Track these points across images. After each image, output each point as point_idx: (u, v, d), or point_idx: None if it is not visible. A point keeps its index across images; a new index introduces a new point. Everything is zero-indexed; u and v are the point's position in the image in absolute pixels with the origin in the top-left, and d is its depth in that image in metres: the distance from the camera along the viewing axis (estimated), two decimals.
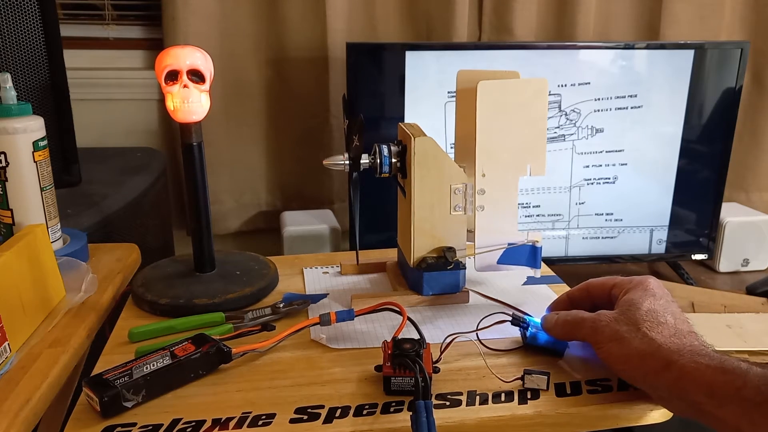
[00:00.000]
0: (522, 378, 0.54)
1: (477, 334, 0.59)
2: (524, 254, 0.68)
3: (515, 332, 0.61)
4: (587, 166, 1.25)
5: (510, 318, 0.60)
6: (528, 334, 0.59)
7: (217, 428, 0.49)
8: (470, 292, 0.69)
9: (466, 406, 0.51)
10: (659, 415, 0.51)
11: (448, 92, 1.19)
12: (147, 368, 0.52)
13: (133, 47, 1.42)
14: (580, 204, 1.27)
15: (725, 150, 1.27)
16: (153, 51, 1.42)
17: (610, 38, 1.45)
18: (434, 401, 0.51)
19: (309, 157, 1.45)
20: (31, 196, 0.71)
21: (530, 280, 0.74)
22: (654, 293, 0.54)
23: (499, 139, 0.65)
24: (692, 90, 1.23)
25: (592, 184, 1.26)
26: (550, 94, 0.65)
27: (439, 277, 0.67)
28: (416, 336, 0.56)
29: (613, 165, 1.25)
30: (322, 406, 0.51)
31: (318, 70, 1.39)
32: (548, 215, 1.27)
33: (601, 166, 1.25)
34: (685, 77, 1.23)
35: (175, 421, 0.49)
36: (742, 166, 1.54)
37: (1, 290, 0.56)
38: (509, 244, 0.68)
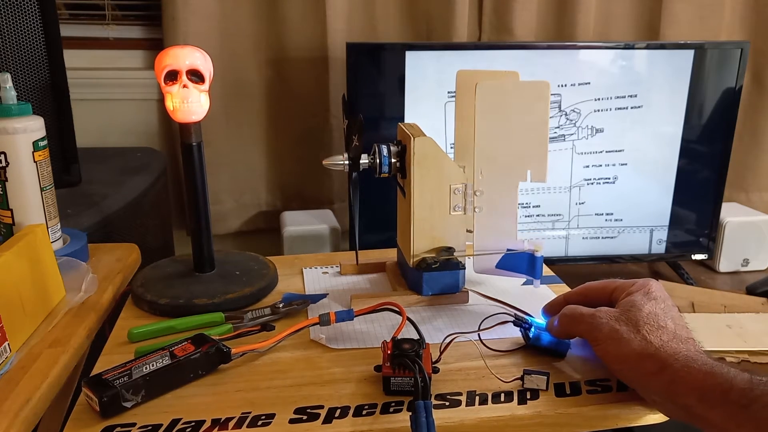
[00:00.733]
0: (521, 378, 0.54)
1: (479, 334, 0.59)
2: (523, 262, 0.68)
3: (515, 333, 0.61)
4: (587, 166, 1.25)
5: (512, 319, 0.60)
6: (531, 334, 0.59)
7: (217, 428, 0.49)
8: (470, 292, 0.69)
9: (466, 406, 0.51)
10: (658, 415, 0.51)
11: (448, 92, 1.19)
12: (146, 368, 0.52)
13: (133, 47, 1.42)
14: (580, 204, 1.27)
15: (725, 150, 1.27)
16: (153, 51, 1.42)
17: (610, 38, 1.45)
18: (434, 401, 0.51)
19: (309, 157, 1.45)
20: (31, 196, 0.71)
21: (530, 280, 0.74)
22: (655, 297, 0.54)
23: (498, 141, 0.65)
24: (692, 90, 1.23)
25: (592, 184, 1.26)
26: (550, 94, 0.65)
27: (438, 277, 0.67)
28: (416, 336, 0.56)
29: (613, 165, 1.25)
30: (322, 407, 0.51)
31: (318, 70, 1.39)
32: (548, 215, 1.27)
33: (601, 166, 1.25)
34: (685, 77, 1.22)
35: (175, 421, 0.49)
36: (742, 166, 1.54)
37: (1, 290, 0.56)
38: (508, 250, 0.68)
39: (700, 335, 1.06)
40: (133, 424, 0.49)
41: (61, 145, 1.04)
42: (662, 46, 1.23)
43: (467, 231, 0.68)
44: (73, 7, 1.43)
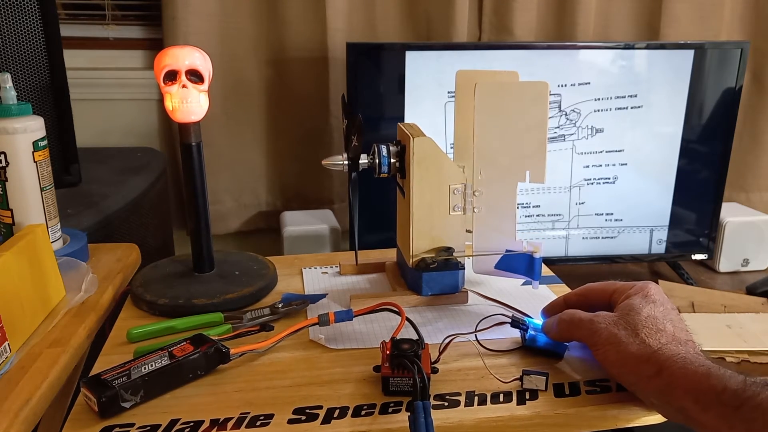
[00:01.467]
0: (520, 378, 0.54)
1: (476, 335, 0.59)
2: (522, 263, 0.67)
3: (514, 333, 0.61)
4: (587, 166, 1.25)
5: (510, 319, 0.60)
6: (527, 336, 0.59)
7: (216, 429, 0.49)
8: (469, 292, 0.69)
9: (465, 406, 0.51)
10: (657, 416, 0.51)
11: (448, 92, 1.19)
12: (145, 369, 0.52)
13: (133, 47, 1.42)
14: (580, 204, 1.27)
15: (725, 150, 1.27)
16: (153, 51, 1.42)
17: (610, 38, 1.45)
18: (432, 402, 0.51)
19: (309, 157, 1.45)
20: (31, 196, 0.71)
21: (529, 281, 0.74)
22: (654, 300, 0.54)
23: (497, 142, 0.65)
24: (692, 90, 1.23)
25: (592, 184, 1.26)
26: (550, 94, 0.64)
27: (437, 277, 0.67)
28: (415, 336, 0.56)
29: (613, 165, 1.25)
30: (321, 407, 0.51)
31: (318, 70, 1.39)
32: (548, 215, 1.27)
33: (601, 166, 1.25)
34: (685, 77, 1.22)
35: (174, 422, 0.49)
36: (742, 166, 1.54)
37: (1, 290, 0.56)
38: (507, 251, 0.68)
39: (700, 335, 1.06)
40: (132, 425, 0.49)
41: (61, 145, 1.04)
42: (662, 46, 1.23)
43: (467, 231, 0.68)
44: (72, 7, 1.43)
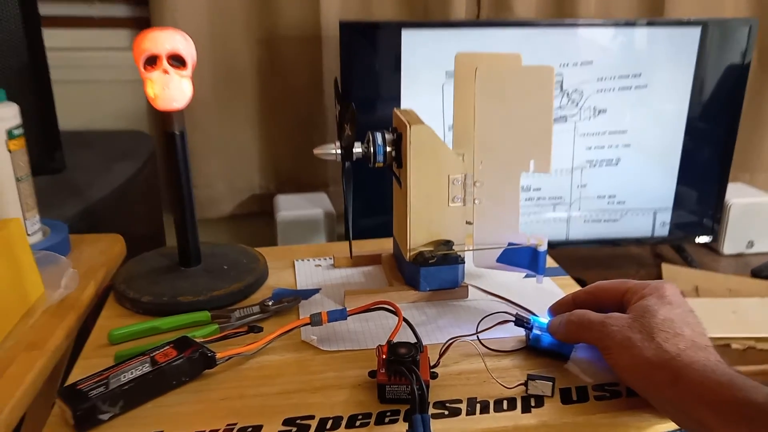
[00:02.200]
0: (525, 384, 0.51)
1: (478, 336, 0.56)
2: (525, 257, 0.64)
3: (518, 331, 0.58)
4: (589, 148, 1.21)
5: (513, 318, 0.57)
6: (531, 335, 0.56)
7: None
8: (470, 287, 0.66)
9: (466, 415, 0.48)
10: (671, 423, 0.48)
11: (446, 72, 1.14)
12: (125, 377, 0.49)
13: (119, 26, 1.36)
14: (581, 186, 1.23)
15: (731, 130, 1.23)
16: (139, 30, 1.36)
17: (613, 16, 1.40)
18: (432, 410, 0.48)
19: (302, 139, 1.41)
20: (6, 188, 0.67)
21: (532, 273, 0.71)
22: (671, 301, 0.50)
23: (499, 130, 0.61)
24: (698, 69, 1.19)
25: (595, 166, 1.22)
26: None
27: (436, 272, 0.64)
28: (412, 338, 0.52)
29: (616, 146, 1.22)
30: (313, 417, 0.48)
31: (311, 50, 1.34)
32: (549, 198, 1.23)
33: (603, 147, 1.21)
34: (691, 55, 1.18)
35: None
36: (747, 146, 1.50)
37: None
38: (510, 244, 0.64)
39: (705, 322, 1.04)
40: None
41: (42, 130, 0.99)
42: (668, 24, 1.18)
43: (467, 223, 0.65)
44: None
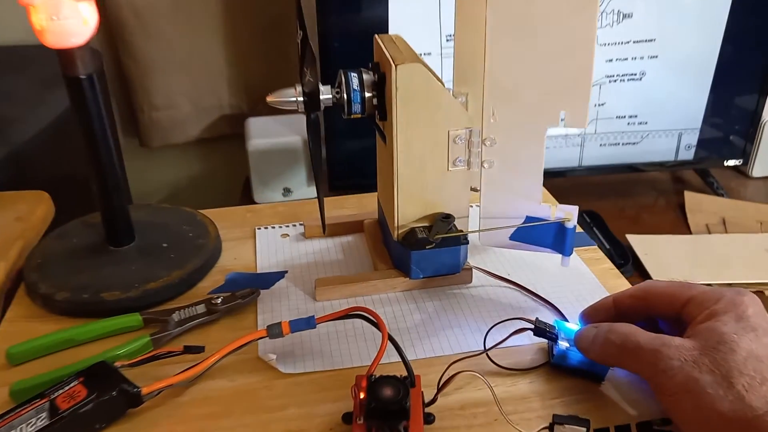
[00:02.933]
0: (550, 428, 0.38)
1: (487, 353, 0.43)
2: (548, 234, 0.49)
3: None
4: (610, 60, 1.03)
5: (531, 326, 0.43)
6: (555, 350, 0.43)
7: None
8: (474, 270, 0.52)
9: None
10: None
11: None
12: None
13: None
14: (599, 106, 1.07)
15: None
16: None
17: None
18: None
19: (275, 49, 1.22)
20: None
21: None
22: (755, 326, 0.36)
23: (519, 68, 0.45)
24: None
25: (615, 81, 1.05)
26: None
27: (432, 255, 0.49)
28: (401, 363, 0.39)
29: (641, 58, 1.04)
30: None
31: None
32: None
33: (627, 59, 1.03)
34: None
35: None
36: None
37: None
38: (528, 219, 0.49)
39: (736, 263, 0.91)
40: None
41: None
42: None
43: (472, 189, 0.50)
44: None
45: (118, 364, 0.42)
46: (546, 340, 0.44)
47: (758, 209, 1.09)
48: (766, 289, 0.91)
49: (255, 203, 1.12)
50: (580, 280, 0.52)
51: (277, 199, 1.12)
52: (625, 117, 1.08)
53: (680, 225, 1.06)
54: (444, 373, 0.41)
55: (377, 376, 0.38)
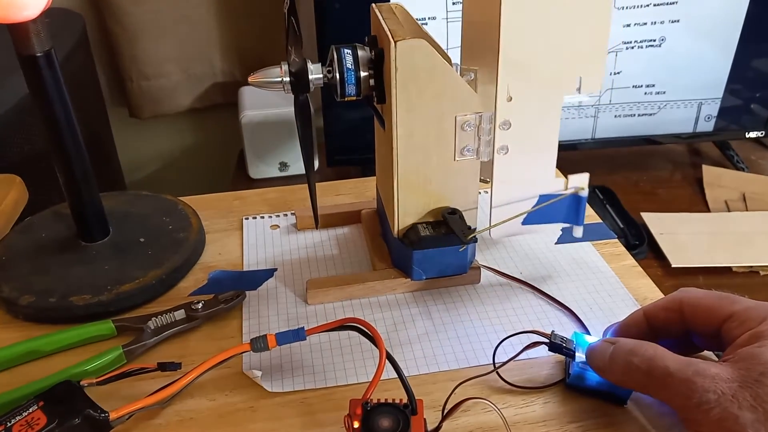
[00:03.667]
0: None
1: (497, 371, 0.38)
2: (561, 209, 0.45)
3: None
4: (628, 25, 0.96)
5: (546, 340, 0.39)
6: (572, 369, 0.38)
7: None
8: (482, 268, 0.47)
9: None
10: None
11: None
12: None
13: None
14: (615, 74, 1.00)
15: None
16: None
17: None
18: None
19: (269, 13, 1.15)
20: None
21: (565, 236, 0.51)
22: None
23: (536, 37, 0.39)
24: None
25: (633, 48, 0.98)
26: None
27: (436, 255, 0.44)
28: (401, 386, 0.35)
29: (661, 23, 0.97)
30: None
31: None
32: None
33: (646, 24, 0.97)
34: None
35: None
36: None
37: None
38: (541, 198, 0.44)
39: (758, 243, 0.85)
40: None
41: None
42: None
43: (481, 180, 0.45)
44: None
45: (84, 382, 0.38)
46: (566, 360, 0.39)
47: None
48: None
49: (250, 178, 1.06)
50: (599, 279, 0.47)
51: (273, 174, 1.07)
52: (642, 86, 1.02)
53: (697, 201, 1.00)
54: (449, 397, 0.36)
55: (374, 402, 0.34)
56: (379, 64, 0.41)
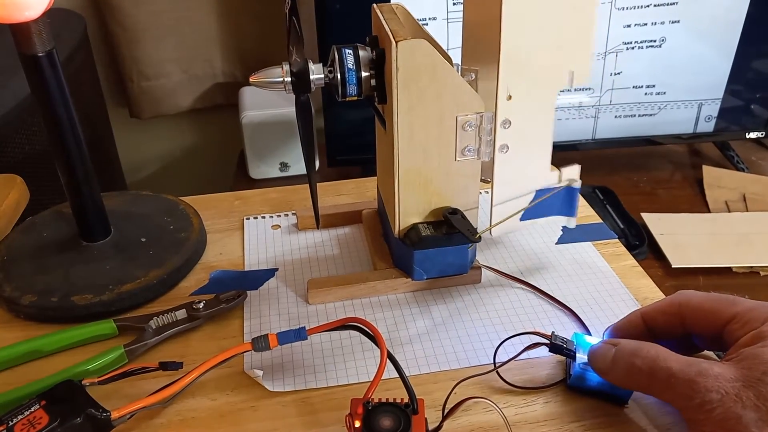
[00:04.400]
0: None
1: (497, 370, 0.38)
2: (556, 202, 0.45)
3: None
4: (628, 26, 0.96)
5: (547, 341, 0.39)
6: (573, 370, 0.38)
7: None
8: (483, 269, 0.47)
9: None
10: None
11: None
12: None
13: None
14: (615, 74, 1.00)
15: None
16: None
17: None
18: None
19: (271, 13, 1.15)
20: None
21: (566, 236, 0.52)
22: None
23: (534, 38, 0.39)
24: None
25: (633, 48, 0.98)
26: None
27: (437, 255, 0.44)
28: (402, 386, 0.35)
29: (662, 23, 0.97)
30: None
31: None
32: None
33: (646, 24, 0.97)
34: None
35: None
36: None
37: None
38: (538, 192, 0.44)
39: (758, 244, 0.85)
40: None
41: None
42: None
43: (482, 180, 0.45)
44: None
45: (86, 381, 0.38)
46: (567, 362, 0.39)
47: None
48: None
49: (251, 178, 1.06)
50: (600, 280, 0.47)
51: (273, 175, 1.07)
52: (642, 87, 1.02)
53: (698, 201, 1.00)
54: (449, 396, 0.36)
55: (375, 401, 0.34)
56: (380, 64, 0.41)
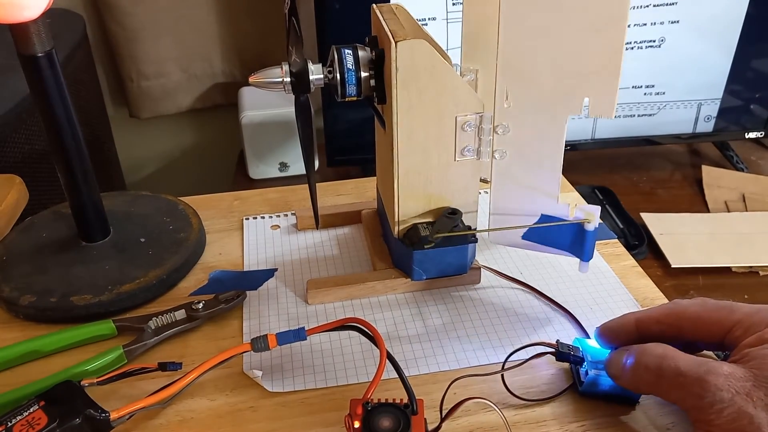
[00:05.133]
0: None
1: (502, 376, 0.38)
2: (566, 236, 0.43)
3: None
4: (628, 26, 0.96)
5: (552, 350, 0.38)
6: (586, 378, 0.38)
7: None
8: (482, 269, 0.47)
9: None
10: None
11: None
12: None
13: None
14: None
15: None
16: None
17: None
18: None
19: (270, 14, 1.15)
20: None
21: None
22: None
23: (538, 45, 0.39)
24: None
25: (633, 48, 0.98)
26: None
27: (436, 255, 0.44)
28: (400, 379, 0.35)
29: (661, 23, 0.97)
30: None
31: None
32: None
33: (645, 25, 0.97)
34: None
35: None
36: None
37: None
38: (543, 217, 0.44)
39: (757, 244, 0.86)
40: None
41: None
42: None
43: (481, 180, 0.45)
44: None
45: (85, 382, 0.38)
46: (572, 368, 0.39)
47: None
48: None
49: (250, 178, 1.06)
50: (599, 280, 0.47)
51: (273, 175, 1.07)
52: (641, 87, 1.02)
53: (697, 201, 1.00)
54: (445, 395, 0.36)
55: (374, 402, 0.34)
56: (379, 64, 0.41)
